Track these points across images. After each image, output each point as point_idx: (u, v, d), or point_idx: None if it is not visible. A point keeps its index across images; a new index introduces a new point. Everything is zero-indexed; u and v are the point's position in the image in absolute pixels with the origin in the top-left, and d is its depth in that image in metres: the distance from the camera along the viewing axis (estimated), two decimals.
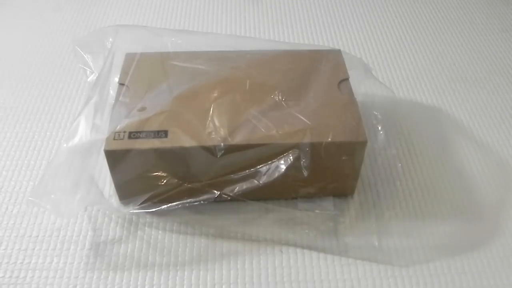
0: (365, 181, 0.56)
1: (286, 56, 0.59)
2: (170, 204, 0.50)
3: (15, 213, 0.53)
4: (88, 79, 0.57)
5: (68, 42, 0.77)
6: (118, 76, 0.55)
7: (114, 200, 0.53)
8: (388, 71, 0.73)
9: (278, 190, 0.51)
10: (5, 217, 0.53)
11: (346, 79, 0.55)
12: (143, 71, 0.56)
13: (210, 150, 0.48)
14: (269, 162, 0.49)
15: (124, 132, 0.48)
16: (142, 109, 0.51)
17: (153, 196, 0.51)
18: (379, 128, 0.55)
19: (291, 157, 0.48)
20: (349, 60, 0.58)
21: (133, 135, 0.48)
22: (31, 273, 0.48)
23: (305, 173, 0.49)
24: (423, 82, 0.71)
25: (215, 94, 0.52)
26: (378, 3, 0.89)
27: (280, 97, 0.52)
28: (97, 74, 0.56)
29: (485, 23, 0.84)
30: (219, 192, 0.50)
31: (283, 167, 0.48)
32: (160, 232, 0.51)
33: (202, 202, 0.50)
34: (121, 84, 0.54)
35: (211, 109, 0.51)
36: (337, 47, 0.72)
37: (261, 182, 0.49)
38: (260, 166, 0.49)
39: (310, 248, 0.50)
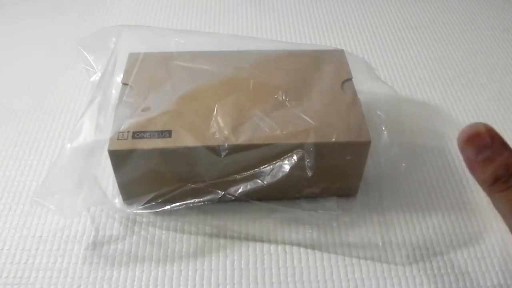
0: (368, 180, 0.56)
1: (289, 56, 0.59)
2: (174, 204, 0.51)
3: (19, 213, 0.53)
4: (91, 79, 0.57)
5: (70, 42, 0.77)
6: (122, 76, 0.55)
7: (118, 200, 0.53)
8: (391, 71, 0.73)
9: (281, 190, 0.51)
10: (8, 217, 0.53)
11: (350, 79, 0.55)
12: (146, 71, 0.56)
13: (214, 150, 0.48)
14: (273, 162, 0.49)
15: (128, 132, 0.48)
16: (146, 109, 0.51)
17: (157, 196, 0.51)
18: (383, 128, 0.55)
19: (295, 157, 0.48)
20: (352, 60, 0.58)
21: (137, 135, 0.48)
22: (35, 273, 0.48)
23: (309, 173, 0.49)
24: (425, 82, 0.71)
25: (219, 94, 0.52)
26: (380, 3, 0.89)
27: (283, 97, 0.52)
28: (100, 74, 0.56)
29: (487, 23, 0.84)
30: (223, 192, 0.50)
31: (287, 167, 0.48)
32: (164, 232, 0.51)
33: (206, 202, 0.50)
34: (124, 84, 0.54)
35: (215, 109, 0.51)
36: (340, 47, 0.72)
37: (265, 182, 0.49)
38: (264, 166, 0.49)
39: (314, 248, 0.50)
